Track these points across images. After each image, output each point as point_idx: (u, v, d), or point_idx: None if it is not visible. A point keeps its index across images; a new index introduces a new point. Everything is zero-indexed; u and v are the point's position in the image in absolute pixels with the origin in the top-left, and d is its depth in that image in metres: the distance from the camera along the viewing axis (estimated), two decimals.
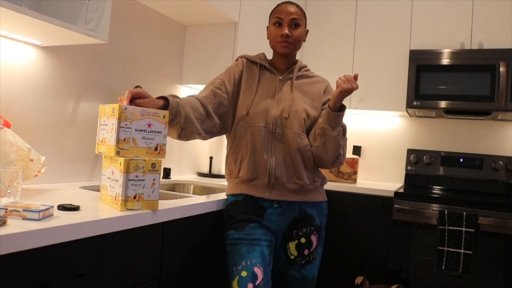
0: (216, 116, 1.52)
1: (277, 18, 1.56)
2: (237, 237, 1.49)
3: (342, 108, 1.49)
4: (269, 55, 1.70)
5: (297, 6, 1.58)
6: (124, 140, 1.14)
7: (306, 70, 1.66)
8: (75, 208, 1.12)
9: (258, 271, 1.42)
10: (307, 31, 1.64)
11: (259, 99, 1.56)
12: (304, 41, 1.62)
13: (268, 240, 1.50)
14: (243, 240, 1.47)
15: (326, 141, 1.50)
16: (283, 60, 1.62)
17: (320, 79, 1.67)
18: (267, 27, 1.63)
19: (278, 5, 1.60)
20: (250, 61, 1.64)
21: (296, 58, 1.67)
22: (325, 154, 1.52)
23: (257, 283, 1.40)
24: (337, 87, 1.43)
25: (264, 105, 1.55)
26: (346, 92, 1.42)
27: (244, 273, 1.41)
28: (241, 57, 1.66)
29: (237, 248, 1.47)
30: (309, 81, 1.64)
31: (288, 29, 1.54)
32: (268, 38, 1.62)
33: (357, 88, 1.43)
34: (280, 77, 1.61)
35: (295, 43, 1.57)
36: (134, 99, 1.25)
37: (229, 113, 1.57)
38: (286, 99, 1.56)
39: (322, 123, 1.50)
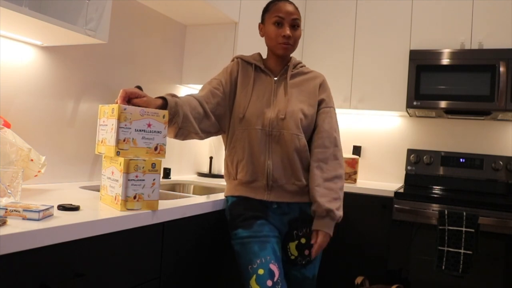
0: (214, 116, 1.51)
1: (277, 17, 1.52)
2: (246, 235, 1.46)
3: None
4: (265, 54, 1.67)
5: (294, 5, 1.56)
6: (124, 140, 1.14)
7: (301, 66, 1.64)
8: (75, 208, 1.12)
9: (274, 268, 1.40)
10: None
11: (255, 101, 1.55)
12: None
13: (276, 236, 1.49)
14: (252, 238, 1.45)
15: None
16: (279, 61, 1.61)
17: (316, 74, 1.64)
18: (260, 24, 1.60)
19: (274, 2, 1.56)
20: (246, 62, 1.63)
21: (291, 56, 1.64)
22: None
23: (275, 279, 1.38)
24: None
25: (260, 107, 1.53)
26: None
27: (261, 271, 1.39)
28: (237, 57, 1.65)
29: (248, 247, 1.44)
30: (304, 78, 1.61)
31: (290, 30, 1.52)
32: (263, 36, 1.60)
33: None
34: (275, 78, 1.60)
35: (295, 44, 1.56)
36: (131, 99, 1.23)
37: (226, 113, 1.57)
38: (282, 101, 1.54)
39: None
